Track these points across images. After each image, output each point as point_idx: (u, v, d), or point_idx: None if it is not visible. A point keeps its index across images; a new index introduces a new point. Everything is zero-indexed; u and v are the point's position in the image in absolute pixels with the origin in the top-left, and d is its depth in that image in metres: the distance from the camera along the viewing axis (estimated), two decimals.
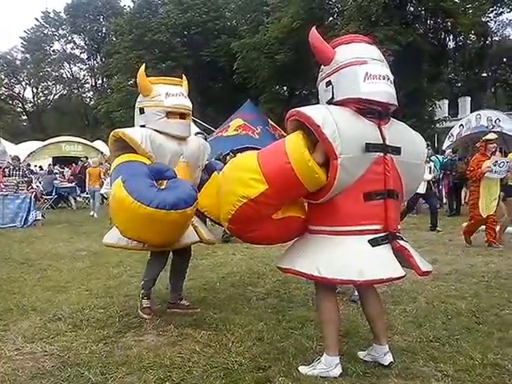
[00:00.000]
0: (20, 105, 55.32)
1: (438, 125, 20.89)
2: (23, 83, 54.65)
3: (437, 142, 21.93)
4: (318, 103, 3.37)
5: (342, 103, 3.12)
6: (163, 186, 3.99)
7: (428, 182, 10.74)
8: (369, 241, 3.03)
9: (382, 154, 3.07)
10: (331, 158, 2.95)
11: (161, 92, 4.37)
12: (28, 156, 24.16)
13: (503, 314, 4.45)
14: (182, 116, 4.49)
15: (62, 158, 26.10)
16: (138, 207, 3.63)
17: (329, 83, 3.21)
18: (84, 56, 53.42)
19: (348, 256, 2.99)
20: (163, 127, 4.33)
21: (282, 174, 2.98)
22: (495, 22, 33.50)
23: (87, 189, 16.49)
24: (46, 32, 52.51)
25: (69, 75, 54.52)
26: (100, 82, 52.45)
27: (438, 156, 14.92)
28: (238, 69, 27.00)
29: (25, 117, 56.36)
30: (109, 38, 45.99)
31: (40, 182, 18.44)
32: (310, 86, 24.62)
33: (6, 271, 6.72)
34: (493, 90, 36.91)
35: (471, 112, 22.59)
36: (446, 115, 24.08)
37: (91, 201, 15.95)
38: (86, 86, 55.51)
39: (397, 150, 3.13)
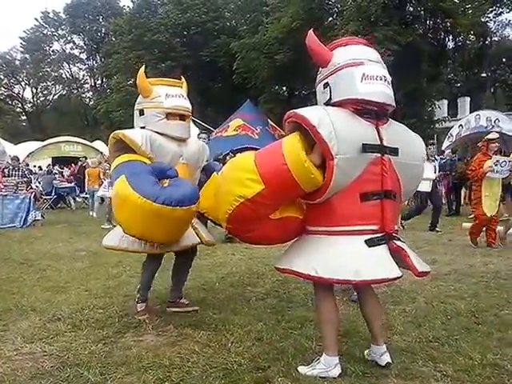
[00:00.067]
0: (19, 105, 55.32)
1: (437, 125, 20.89)
2: (22, 83, 54.72)
3: (436, 142, 21.92)
4: (317, 104, 3.38)
5: (339, 104, 3.14)
6: (166, 185, 4.00)
7: (433, 180, 10.74)
8: (365, 241, 3.04)
9: (379, 155, 3.08)
10: (327, 159, 2.96)
11: (160, 93, 4.37)
12: (27, 156, 24.12)
13: (502, 314, 4.45)
14: (182, 117, 4.49)
15: (62, 159, 26.08)
16: (144, 203, 3.64)
17: (326, 85, 3.23)
18: (83, 56, 53.50)
19: (344, 256, 3.00)
20: (163, 129, 4.33)
21: (278, 175, 3.00)
22: (495, 22, 33.61)
23: (86, 189, 16.49)
24: (45, 32, 52.53)
25: (68, 75, 54.61)
26: (99, 82, 52.45)
27: (436, 156, 14.88)
28: (237, 69, 27.00)
29: (24, 117, 56.36)
30: (108, 38, 46.00)
31: (39, 183, 18.43)
32: (309, 86, 24.57)
33: (6, 271, 6.71)
34: (492, 91, 36.94)
35: (470, 112, 22.60)
36: (446, 115, 24.10)
37: (90, 201, 15.95)
38: (86, 86, 55.61)
39: (394, 151, 3.14)
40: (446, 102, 27.32)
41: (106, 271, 6.58)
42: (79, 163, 20.60)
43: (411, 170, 3.33)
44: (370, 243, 3.04)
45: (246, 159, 3.20)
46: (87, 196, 17.25)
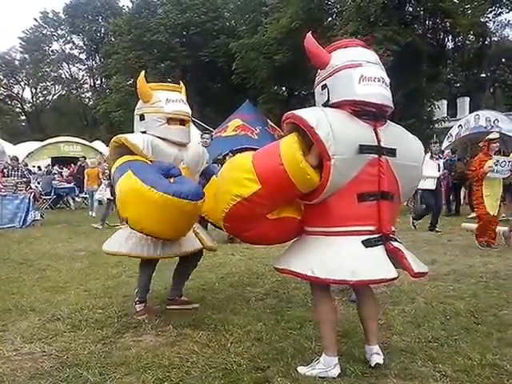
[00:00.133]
0: (19, 105, 55.25)
1: (436, 125, 20.87)
2: (22, 83, 54.64)
3: (431, 144, 21.91)
4: (315, 105, 3.40)
5: (337, 105, 3.16)
6: (171, 181, 4.03)
7: (438, 178, 10.74)
8: (362, 241, 3.05)
9: (376, 156, 3.09)
10: (324, 160, 2.98)
11: (161, 98, 4.39)
12: (27, 156, 24.10)
13: (502, 315, 4.46)
14: (182, 122, 4.52)
15: (61, 159, 26.08)
16: (154, 193, 3.65)
17: (324, 86, 3.25)
18: (83, 56, 53.39)
19: (341, 256, 3.01)
20: (164, 133, 4.35)
21: (275, 175, 3.03)
22: (494, 22, 33.59)
23: (85, 189, 16.49)
24: (44, 32, 52.45)
25: (67, 75, 54.51)
26: (99, 82, 52.38)
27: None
28: (236, 69, 26.98)
29: (23, 117, 56.28)
30: (107, 39, 45.94)
31: (39, 183, 18.44)
32: (308, 86, 24.51)
33: (5, 271, 6.71)
34: (491, 91, 36.93)
35: (470, 112, 22.62)
36: (445, 115, 24.07)
37: (89, 201, 15.96)
38: (85, 86, 55.48)
39: (392, 152, 3.15)
40: (445, 102, 27.33)
41: (105, 271, 6.58)
42: (78, 163, 20.60)
43: (409, 171, 3.33)
44: (367, 244, 3.05)
45: (244, 159, 3.22)
46: (86, 196, 17.26)
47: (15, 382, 3.19)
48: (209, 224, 4.91)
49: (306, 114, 3.06)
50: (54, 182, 19.08)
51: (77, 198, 19.46)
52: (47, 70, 53.57)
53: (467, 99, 28.95)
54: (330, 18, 24.75)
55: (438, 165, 10.87)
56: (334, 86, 3.18)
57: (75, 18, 48.55)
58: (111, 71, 37.07)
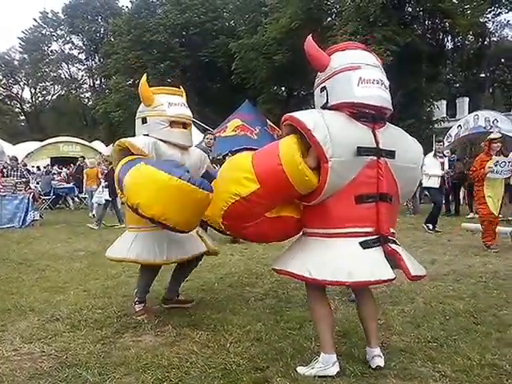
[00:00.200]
0: (18, 105, 55.22)
1: (436, 125, 20.91)
2: (21, 83, 54.59)
3: (435, 142, 21.93)
4: (314, 106, 3.43)
5: (336, 108, 3.17)
6: None
7: (442, 177, 10.72)
8: (360, 243, 3.06)
9: (375, 158, 3.10)
10: (322, 162, 2.99)
11: (163, 102, 4.41)
12: (26, 156, 24.11)
13: (501, 315, 4.45)
14: (184, 126, 4.54)
15: (61, 159, 26.09)
16: (169, 178, 3.60)
17: (323, 88, 3.26)
18: (82, 56, 53.32)
19: (338, 258, 3.02)
20: (167, 136, 4.37)
21: (273, 176, 3.04)
22: (493, 22, 33.56)
23: (84, 189, 16.49)
24: (44, 32, 52.41)
25: (67, 75, 54.45)
26: (98, 82, 52.33)
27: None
28: (236, 69, 26.97)
29: (23, 117, 56.25)
30: (107, 39, 45.85)
31: (38, 183, 18.44)
32: (308, 86, 24.57)
33: (4, 271, 6.71)
34: (491, 91, 36.91)
35: (469, 113, 22.62)
36: (444, 116, 24.08)
37: (89, 201, 15.95)
38: (84, 86, 55.42)
39: (391, 154, 3.16)
40: (444, 102, 27.33)
41: (104, 271, 6.58)
42: (77, 163, 20.60)
43: (408, 173, 3.34)
44: (365, 245, 3.06)
45: (244, 159, 3.24)
46: (86, 196, 17.25)
47: (14, 382, 3.19)
48: (208, 228, 4.92)
49: (303, 116, 3.07)
50: (53, 182, 19.08)
51: (75, 198, 19.45)
52: (46, 70, 53.51)
53: (466, 99, 28.94)
54: (329, 18, 24.77)
55: (442, 163, 10.83)
56: (333, 89, 3.20)
57: (74, 18, 48.52)
58: (110, 71, 37.02)
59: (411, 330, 4.07)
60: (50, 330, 4.16)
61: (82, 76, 55.06)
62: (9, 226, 12.42)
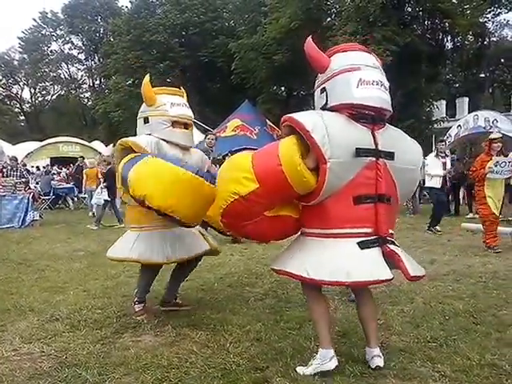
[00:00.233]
0: (18, 105, 55.20)
1: (435, 125, 20.88)
2: (21, 83, 54.56)
3: (434, 142, 21.95)
4: (314, 107, 3.44)
5: (335, 109, 3.18)
6: None
7: (444, 177, 10.70)
8: (358, 243, 3.07)
9: (373, 159, 3.11)
10: (320, 163, 3.00)
11: (165, 102, 4.45)
12: (26, 156, 24.12)
13: (501, 315, 4.46)
14: (186, 126, 4.57)
15: (60, 159, 26.10)
16: (178, 170, 3.69)
17: (323, 90, 3.28)
18: (82, 56, 53.28)
19: (337, 258, 3.04)
20: (169, 136, 4.40)
21: (272, 176, 3.05)
22: (493, 22, 33.58)
23: (84, 189, 16.48)
24: (43, 32, 52.37)
25: (66, 76, 54.42)
26: (98, 82, 52.30)
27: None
28: (235, 69, 26.95)
29: (22, 117, 56.23)
30: (107, 39, 45.83)
31: (37, 183, 18.43)
32: (307, 86, 24.54)
33: (4, 272, 6.71)
34: (490, 91, 36.92)
35: (469, 113, 22.62)
36: (444, 116, 24.05)
37: (89, 201, 15.95)
38: (84, 86, 55.40)
39: (390, 155, 3.18)
40: (444, 102, 27.33)
41: (104, 271, 6.58)
42: (76, 163, 20.59)
43: (407, 174, 3.36)
44: (363, 245, 3.07)
45: (244, 159, 3.25)
46: (85, 196, 17.25)
47: (14, 382, 3.19)
48: (209, 228, 4.93)
49: (302, 117, 3.09)
50: (52, 182, 19.08)
51: (75, 199, 19.44)
52: (46, 70, 53.49)
53: (466, 99, 28.95)
54: (329, 19, 24.74)
55: (444, 163, 10.80)
56: (333, 90, 3.21)
57: (74, 18, 48.47)
58: (110, 71, 37.00)
59: (411, 330, 4.07)
60: (50, 330, 4.16)
61: (82, 76, 55.13)
62: (8, 226, 12.42)
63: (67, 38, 52.34)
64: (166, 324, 4.28)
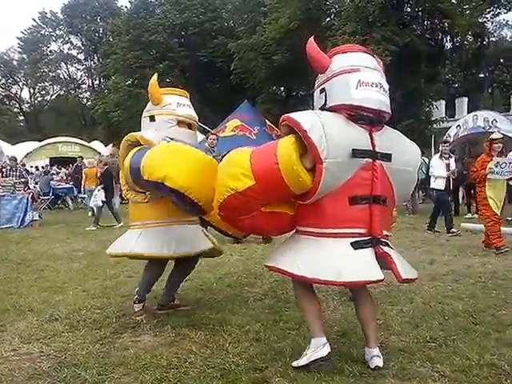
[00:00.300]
0: (17, 105, 55.14)
1: (435, 125, 20.85)
2: (20, 83, 54.51)
3: (434, 142, 21.94)
4: (313, 107, 3.47)
5: (334, 109, 3.20)
6: None
7: (447, 179, 10.69)
8: (351, 243, 3.10)
9: (370, 160, 3.12)
10: (317, 163, 3.02)
11: (172, 101, 4.53)
12: (25, 156, 24.14)
13: (500, 315, 4.46)
14: (189, 126, 4.63)
15: (60, 159, 26.12)
16: (196, 152, 3.90)
17: (322, 90, 3.31)
18: (81, 56, 53.23)
19: (329, 258, 3.06)
20: (174, 134, 4.43)
21: (269, 174, 3.08)
22: (492, 22, 33.55)
23: (83, 189, 16.47)
24: (42, 32, 52.31)
25: (66, 76, 54.35)
26: (97, 82, 52.25)
27: (425, 158, 14.74)
28: (235, 69, 26.92)
29: (22, 117, 56.18)
30: (106, 39, 45.76)
31: (36, 183, 18.43)
32: (307, 86, 24.54)
33: (3, 272, 6.71)
34: (490, 91, 36.95)
35: (468, 113, 22.66)
36: (443, 116, 24.01)
37: (88, 201, 15.92)
38: (83, 86, 55.34)
39: (387, 157, 3.19)
40: (443, 102, 27.30)
41: (103, 271, 6.58)
42: (76, 163, 20.59)
43: (404, 176, 3.38)
44: (356, 246, 3.09)
45: (242, 156, 3.28)
46: (85, 196, 17.24)
47: (13, 383, 3.19)
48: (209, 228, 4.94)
49: (300, 117, 3.11)
50: (52, 182, 19.07)
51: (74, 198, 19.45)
52: (45, 70, 53.43)
53: (465, 99, 28.94)
54: (328, 19, 24.70)
55: (448, 164, 10.77)
56: (332, 90, 3.24)
57: (73, 18, 48.45)
58: (109, 71, 36.92)
59: (410, 330, 4.07)
60: (49, 330, 4.16)
61: (81, 76, 55.07)
62: (7, 226, 12.43)
63: (66, 38, 52.32)
64: (166, 324, 4.28)
